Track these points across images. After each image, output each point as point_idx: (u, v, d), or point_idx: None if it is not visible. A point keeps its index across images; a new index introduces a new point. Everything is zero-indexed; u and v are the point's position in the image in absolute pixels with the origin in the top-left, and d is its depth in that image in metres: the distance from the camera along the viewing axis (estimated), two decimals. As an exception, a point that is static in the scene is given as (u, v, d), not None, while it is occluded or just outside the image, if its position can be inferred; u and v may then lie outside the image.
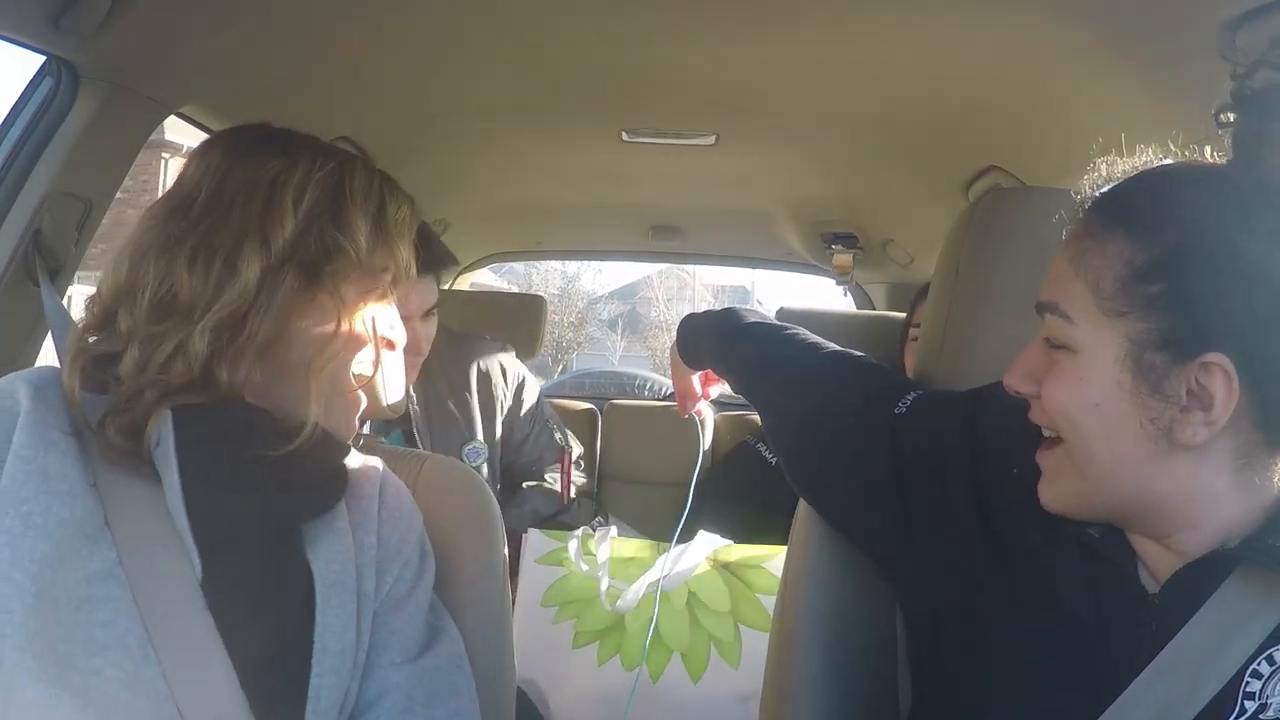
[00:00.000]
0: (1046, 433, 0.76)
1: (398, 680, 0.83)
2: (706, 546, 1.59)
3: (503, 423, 1.87)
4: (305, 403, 0.82)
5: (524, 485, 1.90)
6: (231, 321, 0.78)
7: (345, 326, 0.84)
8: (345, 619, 0.80)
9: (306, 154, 0.86)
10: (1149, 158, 0.75)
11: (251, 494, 0.79)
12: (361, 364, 0.88)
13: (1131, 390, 0.69)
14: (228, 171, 0.83)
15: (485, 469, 1.81)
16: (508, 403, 1.88)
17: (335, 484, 0.86)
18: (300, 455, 0.80)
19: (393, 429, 1.75)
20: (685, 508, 1.57)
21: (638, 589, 1.54)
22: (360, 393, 0.89)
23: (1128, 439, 0.69)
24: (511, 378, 1.91)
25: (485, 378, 1.85)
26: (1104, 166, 0.77)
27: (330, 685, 0.78)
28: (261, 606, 0.78)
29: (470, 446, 1.80)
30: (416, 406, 1.75)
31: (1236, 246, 0.65)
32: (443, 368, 1.80)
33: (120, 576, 0.73)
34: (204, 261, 0.79)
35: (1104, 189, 0.75)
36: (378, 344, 0.89)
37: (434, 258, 1.64)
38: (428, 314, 1.64)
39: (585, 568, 1.57)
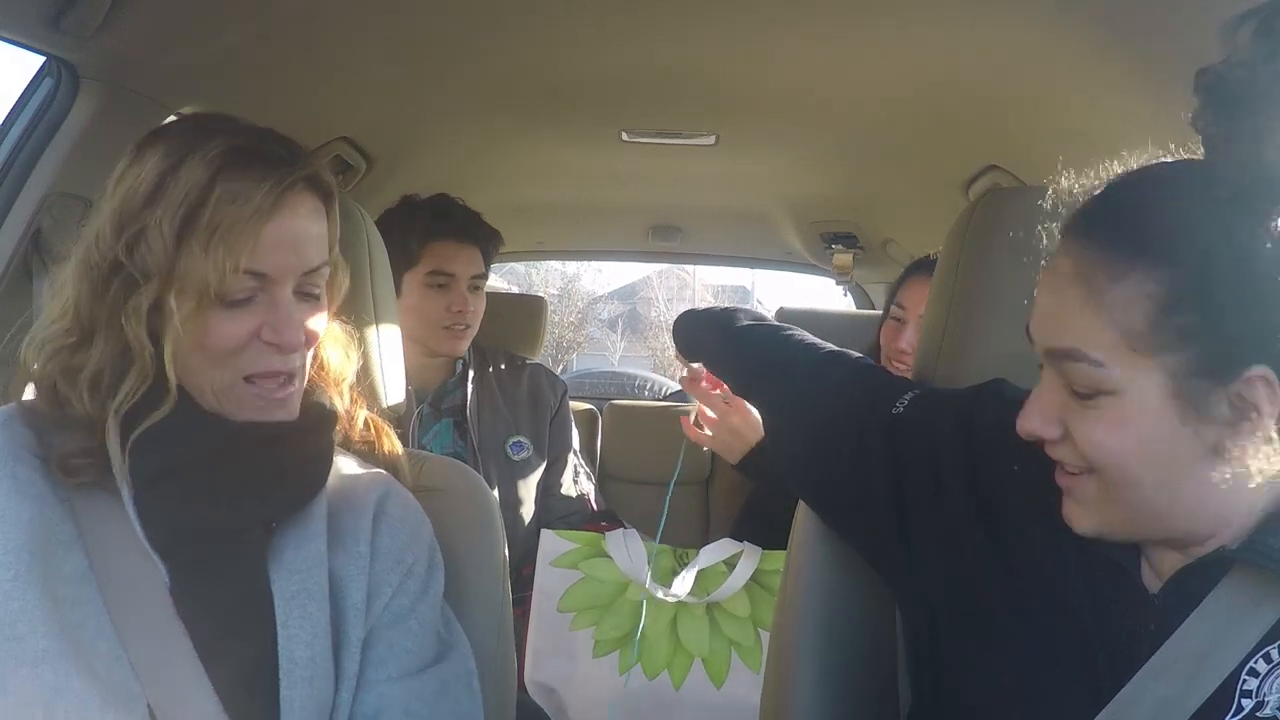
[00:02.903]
0: (1071, 468, 0.73)
1: (395, 695, 0.83)
2: (753, 557, 1.58)
3: (550, 425, 1.92)
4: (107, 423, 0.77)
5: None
6: (73, 343, 0.78)
7: (141, 348, 0.76)
8: (313, 628, 0.79)
9: (153, 153, 0.78)
10: (1117, 168, 0.74)
11: (200, 501, 0.78)
12: (221, 372, 0.79)
13: (1179, 419, 0.67)
14: (112, 184, 0.80)
15: (531, 462, 1.85)
16: (555, 406, 1.94)
17: (296, 485, 0.83)
18: (250, 459, 0.80)
19: (443, 417, 1.81)
20: (674, 510, 1.59)
21: (686, 579, 1.54)
22: (245, 397, 0.80)
23: (1174, 465, 0.68)
24: (559, 386, 1.99)
25: (536, 385, 1.94)
26: (1076, 186, 0.74)
27: (304, 695, 0.77)
28: (231, 614, 0.78)
29: (514, 439, 1.84)
30: (471, 398, 1.81)
31: (1252, 260, 0.64)
32: (497, 375, 1.90)
33: (91, 583, 0.75)
34: (53, 279, 0.80)
35: (1092, 213, 0.71)
36: (210, 356, 0.79)
37: (456, 228, 1.77)
38: (474, 285, 1.78)
39: (629, 564, 1.56)
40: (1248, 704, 0.68)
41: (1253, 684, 0.69)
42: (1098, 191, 0.73)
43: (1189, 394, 0.66)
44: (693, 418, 1.67)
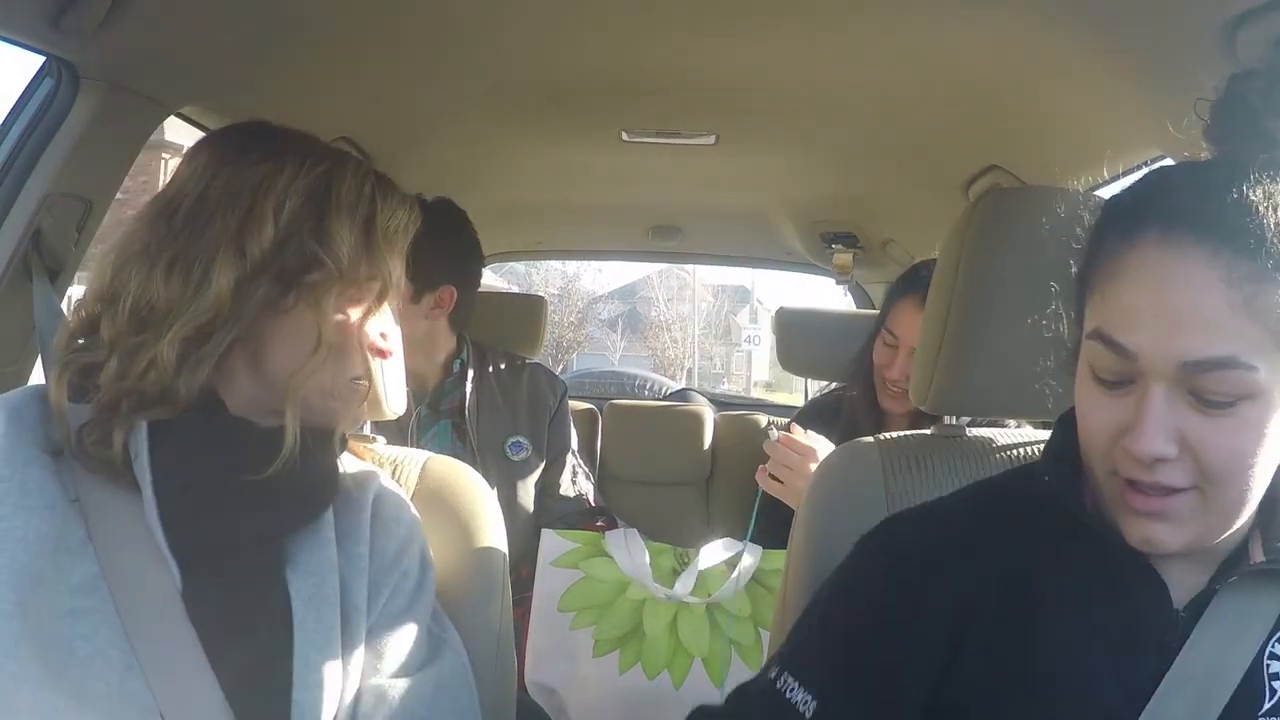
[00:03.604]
0: (1147, 476, 0.68)
1: (395, 694, 0.83)
2: (753, 556, 1.58)
3: (549, 426, 1.91)
4: (286, 416, 0.80)
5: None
6: (203, 332, 0.78)
7: (326, 338, 0.82)
8: (326, 631, 0.79)
9: (293, 157, 0.83)
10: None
11: (229, 508, 0.78)
12: (353, 372, 0.86)
13: None
14: (213, 177, 0.82)
15: (530, 462, 1.84)
16: (554, 406, 1.93)
17: (319, 496, 0.84)
18: (271, 466, 0.79)
19: (441, 419, 1.79)
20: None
21: (687, 579, 1.54)
22: (352, 401, 0.87)
23: (1276, 458, 0.68)
24: (558, 387, 1.97)
25: (535, 385, 1.93)
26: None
27: (314, 699, 0.77)
28: (242, 618, 0.77)
29: (513, 439, 1.83)
30: (470, 398, 1.80)
31: None
32: (496, 375, 1.88)
33: (103, 589, 0.74)
34: (181, 272, 0.78)
35: (1205, 212, 0.66)
36: (365, 353, 0.87)
37: None
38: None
39: (629, 564, 1.56)
40: (1279, 686, 0.70)
41: (1277, 667, 0.70)
42: (1175, 187, 0.70)
43: None
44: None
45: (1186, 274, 0.65)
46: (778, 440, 1.58)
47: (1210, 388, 0.65)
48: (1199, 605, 0.72)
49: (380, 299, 0.87)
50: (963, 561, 0.78)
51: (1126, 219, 0.70)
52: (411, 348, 1.74)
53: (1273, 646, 0.70)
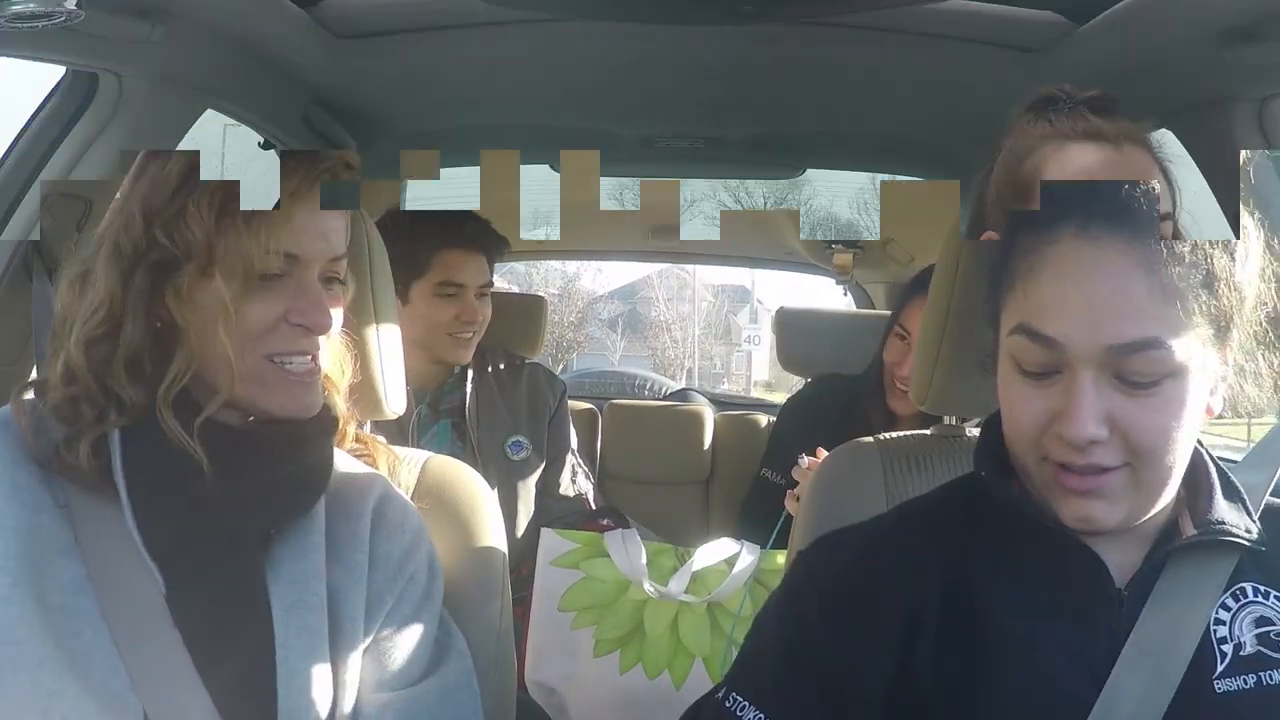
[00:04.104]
0: (1080, 459, 0.70)
1: (397, 705, 0.82)
2: (751, 556, 1.58)
3: (548, 425, 1.91)
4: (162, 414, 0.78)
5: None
6: (105, 330, 0.78)
7: (196, 327, 0.78)
8: (312, 639, 0.79)
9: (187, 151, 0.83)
10: None
11: (199, 509, 0.78)
12: (246, 357, 0.80)
13: (1209, 385, 0.72)
14: (130, 173, 0.83)
15: (530, 462, 1.84)
16: (554, 406, 1.93)
17: (293, 495, 0.83)
18: (251, 465, 0.79)
19: (441, 419, 1.79)
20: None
21: (681, 578, 1.54)
22: (297, 382, 0.82)
23: (1197, 427, 0.72)
24: (558, 386, 1.98)
25: (535, 385, 1.93)
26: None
27: (302, 707, 0.77)
28: (227, 624, 0.77)
29: (513, 439, 1.83)
30: (469, 398, 1.80)
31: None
32: (496, 375, 1.89)
33: (89, 591, 0.75)
34: (79, 281, 0.80)
35: (1118, 198, 0.70)
36: (245, 338, 0.80)
37: (466, 237, 1.74)
38: (481, 293, 1.77)
39: (627, 564, 1.56)
40: (1228, 649, 0.73)
41: (1224, 631, 0.73)
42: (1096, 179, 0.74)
43: (1210, 360, 0.70)
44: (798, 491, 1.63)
45: (1106, 263, 0.68)
46: (806, 467, 1.58)
47: (1135, 369, 0.68)
48: (1140, 583, 0.75)
49: (247, 276, 0.79)
50: (902, 571, 0.79)
51: (1039, 218, 0.73)
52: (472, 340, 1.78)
53: (1217, 613, 0.74)
